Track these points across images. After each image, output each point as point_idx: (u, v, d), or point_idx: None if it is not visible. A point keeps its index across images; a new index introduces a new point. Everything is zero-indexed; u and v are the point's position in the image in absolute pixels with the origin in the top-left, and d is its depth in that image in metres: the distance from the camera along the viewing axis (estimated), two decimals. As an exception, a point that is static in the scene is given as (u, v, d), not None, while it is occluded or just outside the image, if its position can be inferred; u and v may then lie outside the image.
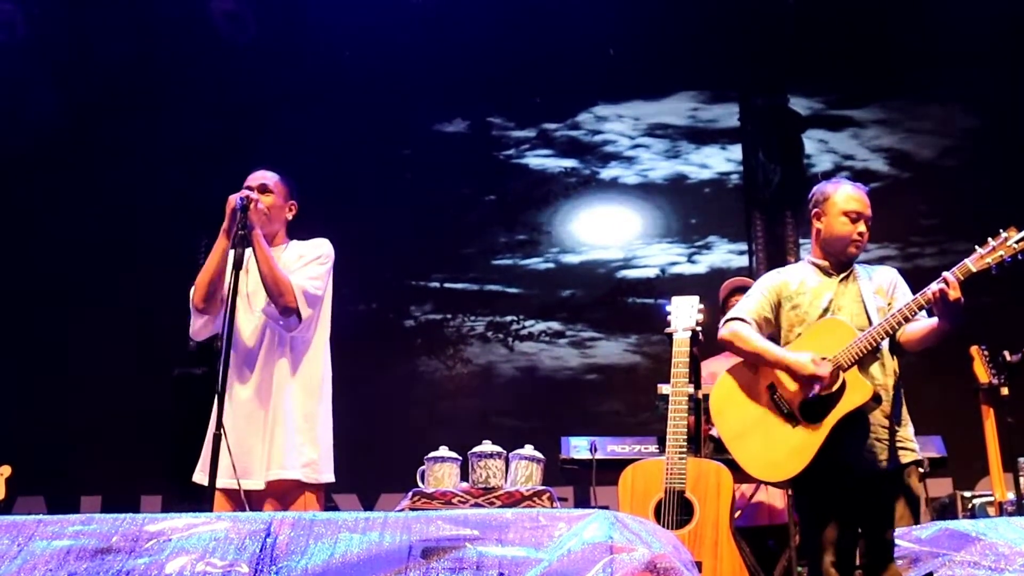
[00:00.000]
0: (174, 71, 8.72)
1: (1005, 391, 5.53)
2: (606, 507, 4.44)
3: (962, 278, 3.95)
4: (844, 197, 4.35)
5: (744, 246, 8.68)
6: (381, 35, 8.59)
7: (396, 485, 8.15)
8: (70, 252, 8.58)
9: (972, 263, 3.97)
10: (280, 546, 3.24)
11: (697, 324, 4.79)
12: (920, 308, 4.03)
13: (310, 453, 4.38)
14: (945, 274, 3.98)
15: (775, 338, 4.36)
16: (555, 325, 8.70)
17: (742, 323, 4.37)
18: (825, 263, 4.41)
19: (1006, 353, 5.55)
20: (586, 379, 8.57)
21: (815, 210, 4.42)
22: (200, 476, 4.37)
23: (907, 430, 4.23)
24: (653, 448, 5.55)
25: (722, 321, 4.48)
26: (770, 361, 4.25)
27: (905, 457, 4.16)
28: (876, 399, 4.09)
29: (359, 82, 8.84)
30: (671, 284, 8.48)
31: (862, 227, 4.32)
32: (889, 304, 4.25)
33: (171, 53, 8.62)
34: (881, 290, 4.30)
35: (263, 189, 4.57)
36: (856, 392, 4.07)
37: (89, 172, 8.86)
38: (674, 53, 8.64)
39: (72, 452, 8.26)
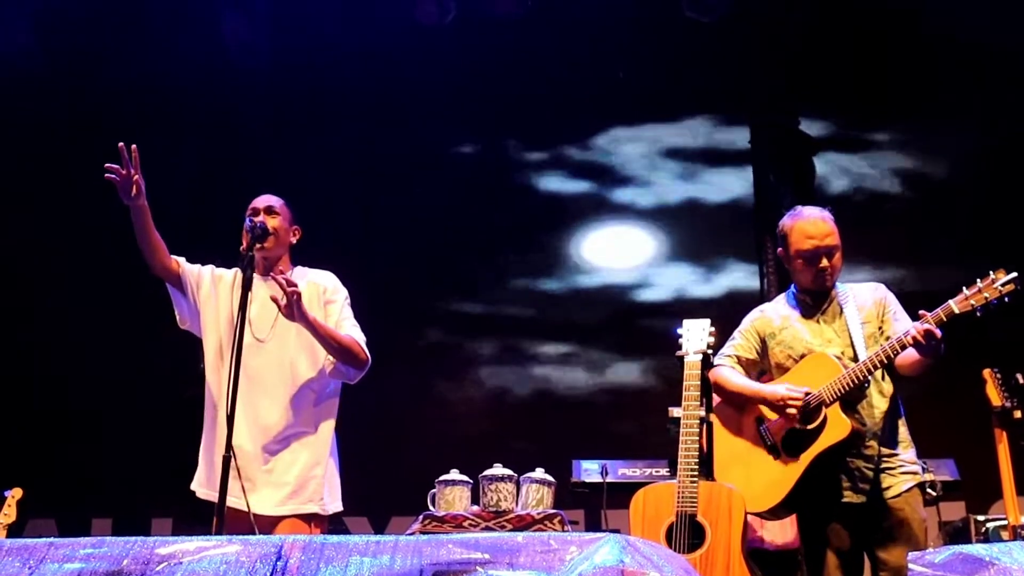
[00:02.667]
0: (188, 96, 8.77)
1: (1018, 414, 5.51)
2: (617, 530, 4.46)
3: (944, 319, 3.97)
4: (798, 236, 4.35)
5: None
6: (394, 58, 8.61)
7: (406, 508, 8.21)
8: (77, 277, 8.62)
9: (956, 304, 3.98)
10: (291, 569, 3.23)
11: (708, 347, 4.78)
12: (903, 347, 4.03)
13: (320, 483, 4.44)
14: (927, 315, 4.00)
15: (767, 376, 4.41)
16: (568, 347, 8.71)
17: (725, 367, 4.52)
18: (805, 297, 4.43)
19: (1019, 376, 5.54)
20: (598, 401, 8.55)
21: (779, 249, 4.43)
22: (202, 491, 4.49)
23: (907, 453, 4.25)
24: (664, 471, 5.57)
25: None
26: (749, 396, 4.37)
27: (904, 483, 4.19)
28: (856, 436, 4.13)
29: (372, 105, 8.89)
30: (685, 306, 8.52)
31: (824, 262, 4.32)
32: (881, 326, 4.26)
33: (185, 78, 8.67)
34: (870, 314, 4.33)
35: (269, 211, 4.64)
36: (835, 429, 4.14)
37: (100, 194, 8.91)
38: (686, 76, 8.66)
39: (83, 474, 8.29)
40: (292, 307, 4.26)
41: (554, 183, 9.10)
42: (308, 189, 8.94)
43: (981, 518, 5.99)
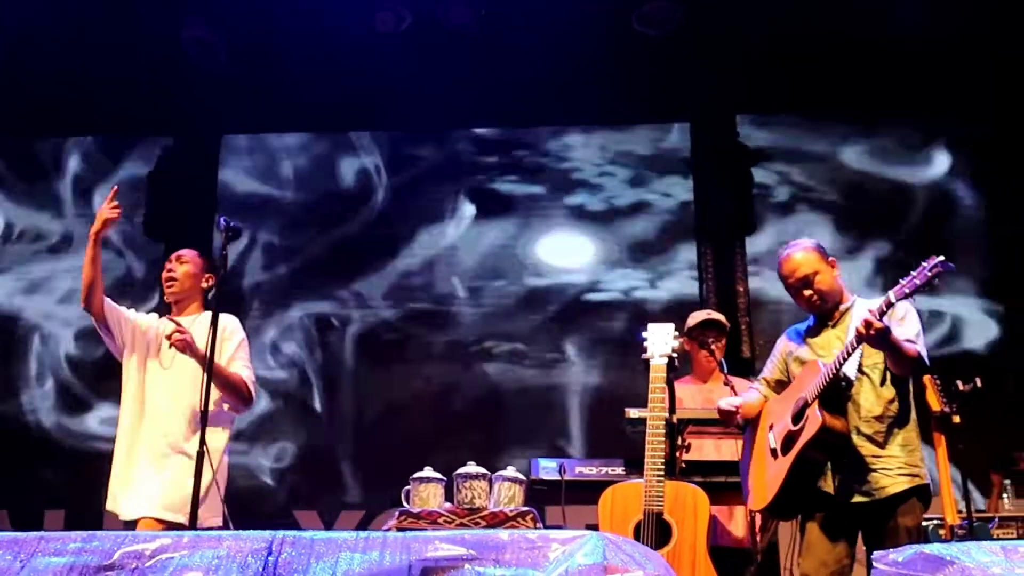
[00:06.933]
0: (149, 95, 8.81)
1: (957, 419, 5.78)
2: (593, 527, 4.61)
3: (885, 310, 4.17)
4: (780, 277, 4.70)
5: (702, 274, 8.87)
6: (349, 60, 8.71)
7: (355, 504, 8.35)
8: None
9: (892, 294, 4.17)
10: (282, 564, 3.29)
11: (673, 351, 4.96)
12: (859, 341, 4.23)
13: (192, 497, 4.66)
14: (869, 309, 4.22)
15: None
16: (519, 346, 8.82)
17: (751, 389, 4.85)
18: (819, 316, 4.67)
19: (959, 382, 5.80)
20: (548, 400, 8.65)
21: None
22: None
23: (909, 456, 4.39)
24: (620, 470, 5.66)
25: None
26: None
27: (899, 484, 4.33)
28: (829, 433, 4.29)
29: (329, 106, 8.98)
30: (633, 309, 8.71)
31: (807, 291, 4.57)
32: None
33: (145, 76, 8.71)
34: None
35: (179, 259, 5.22)
36: (810, 425, 4.31)
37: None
38: (633, 85, 8.86)
39: (36, 466, 8.29)
40: (184, 347, 4.76)
41: (506, 186, 9.22)
42: (261, 190, 9.08)
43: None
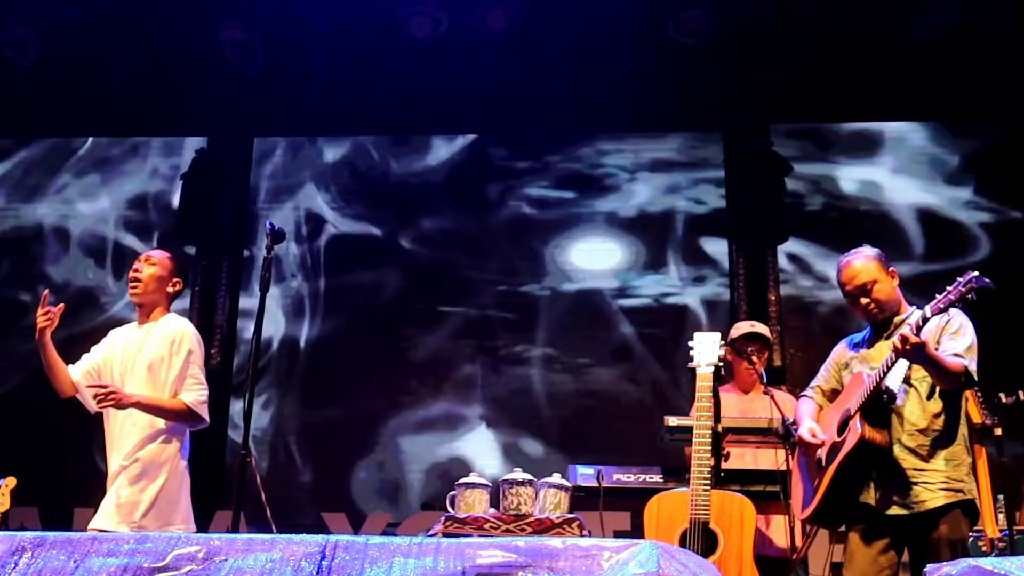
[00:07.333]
0: (183, 99, 8.87)
1: (999, 431, 5.75)
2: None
3: (921, 325, 4.17)
4: (839, 284, 4.70)
5: (734, 280, 8.87)
6: (382, 64, 8.76)
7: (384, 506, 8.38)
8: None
9: (928, 309, 4.17)
10: (336, 569, 3.30)
11: (720, 360, 4.95)
12: (897, 356, 4.23)
13: (156, 505, 4.74)
14: (907, 323, 4.24)
15: None
16: (551, 351, 8.84)
17: (804, 397, 4.81)
18: (875, 325, 4.67)
19: (1001, 395, 5.77)
20: (581, 405, 8.67)
21: None
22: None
23: (954, 471, 4.35)
24: (658, 478, 5.62)
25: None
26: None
27: (940, 499, 4.30)
28: (869, 446, 4.27)
29: (362, 109, 9.01)
30: (664, 314, 8.71)
31: (864, 299, 4.57)
32: (937, 346, 4.42)
33: (180, 81, 8.76)
34: (932, 338, 4.42)
35: (148, 260, 5.07)
36: (850, 437, 4.32)
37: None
38: (667, 93, 8.87)
39: (68, 464, 8.33)
40: (117, 404, 4.72)
41: (538, 191, 9.23)
42: (292, 190, 9.12)
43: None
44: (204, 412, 4.91)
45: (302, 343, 9.06)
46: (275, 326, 9.01)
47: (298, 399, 8.92)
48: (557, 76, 8.79)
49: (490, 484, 4.82)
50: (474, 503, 4.71)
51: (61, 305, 4.95)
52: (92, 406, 4.92)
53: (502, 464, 8.20)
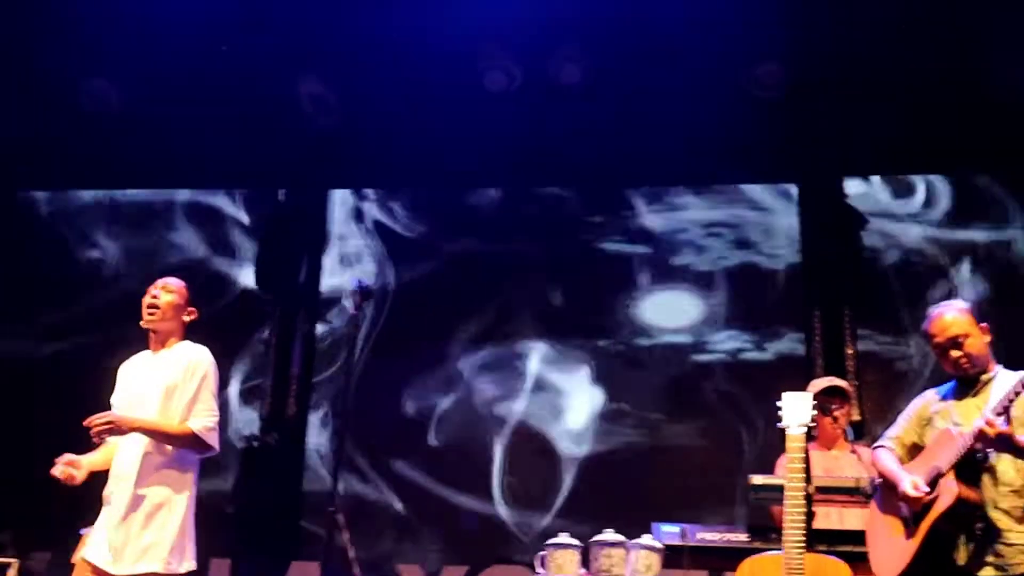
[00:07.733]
0: (262, 147, 9.03)
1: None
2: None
3: (1009, 405, 4.13)
4: (928, 336, 4.65)
5: (808, 335, 8.79)
6: (458, 115, 8.87)
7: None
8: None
9: (1013, 390, 4.13)
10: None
11: (812, 420, 4.89)
12: (978, 441, 4.19)
13: (165, 545, 4.63)
14: (987, 413, 4.18)
15: None
16: (624, 406, 8.80)
17: (883, 448, 4.75)
18: (958, 380, 4.61)
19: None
20: (652, 461, 8.61)
21: None
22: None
23: None
24: (743, 537, 5.58)
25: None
26: (890, 479, 4.55)
27: None
28: (964, 505, 4.21)
29: (441, 168, 9.11)
30: (739, 370, 8.67)
31: (956, 352, 4.52)
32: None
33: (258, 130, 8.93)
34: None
35: (165, 287, 5.01)
36: (944, 496, 4.26)
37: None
38: (743, 145, 8.83)
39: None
40: (117, 430, 4.66)
41: (613, 245, 9.24)
42: (359, 236, 9.22)
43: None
44: (212, 440, 4.82)
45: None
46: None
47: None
48: (628, 130, 8.84)
49: (581, 544, 4.80)
50: (564, 564, 4.70)
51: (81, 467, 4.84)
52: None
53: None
